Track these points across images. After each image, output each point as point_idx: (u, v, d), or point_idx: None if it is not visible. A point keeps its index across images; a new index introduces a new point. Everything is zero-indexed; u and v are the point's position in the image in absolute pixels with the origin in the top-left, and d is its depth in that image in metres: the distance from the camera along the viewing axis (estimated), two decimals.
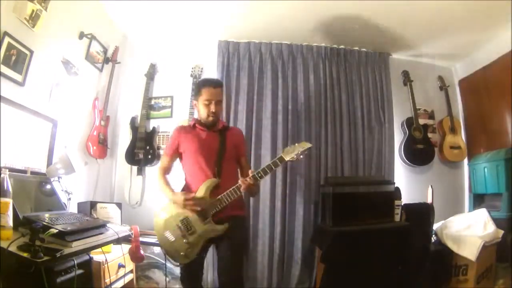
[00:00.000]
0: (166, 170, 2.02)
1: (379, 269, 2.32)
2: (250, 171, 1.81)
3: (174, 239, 1.82)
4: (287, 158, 1.79)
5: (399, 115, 3.34)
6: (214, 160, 1.89)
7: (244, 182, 1.75)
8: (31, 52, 2.07)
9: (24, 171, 1.96)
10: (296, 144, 1.84)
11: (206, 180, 1.84)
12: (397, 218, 2.58)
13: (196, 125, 1.99)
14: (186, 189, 1.94)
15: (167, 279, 2.47)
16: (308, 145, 1.83)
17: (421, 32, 3.02)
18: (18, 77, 2.00)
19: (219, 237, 1.83)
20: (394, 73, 3.42)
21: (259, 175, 1.77)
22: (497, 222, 2.54)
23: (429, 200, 2.70)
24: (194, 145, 1.93)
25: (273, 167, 1.80)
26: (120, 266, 2.21)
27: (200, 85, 1.97)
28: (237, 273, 1.80)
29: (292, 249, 2.93)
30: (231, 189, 1.79)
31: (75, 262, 1.62)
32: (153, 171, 3.16)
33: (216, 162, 1.88)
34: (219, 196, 1.80)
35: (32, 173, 2.00)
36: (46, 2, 2.12)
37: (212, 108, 1.89)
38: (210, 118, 1.92)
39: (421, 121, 3.32)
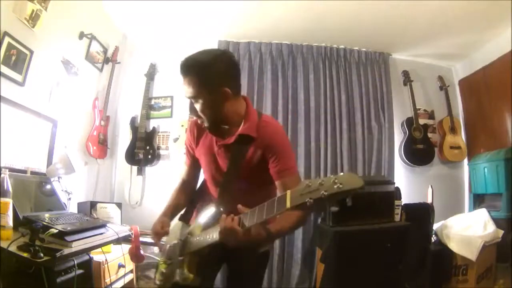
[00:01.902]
0: (186, 183, 1.43)
1: (379, 269, 2.32)
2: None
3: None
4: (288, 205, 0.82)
5: (399, 115, 3.34)
6: (222, 187, 1.25)
7: (226, 222, 0.96)
8: (31, 52, 2.07)
9: (24, 171, 1.96)
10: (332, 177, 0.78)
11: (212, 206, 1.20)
12: (397, 218, 2.58)
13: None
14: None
15: None
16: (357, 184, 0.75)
17: (421, 32, 3.02)
18: (18, 77, 2.00)
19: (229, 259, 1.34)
20: (394, 73, 3.42)
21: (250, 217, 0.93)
22: (497, 222, 2.54)
23: (429, 200, 2.70)
24: (203, 158, 1.33)
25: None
26: (120, 266, 2.21)
27: None
28: None
29: (292, 249, 2.93)
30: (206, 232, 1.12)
31: (75, 262, 1.62)
32: (153, 171, 3.17)
33: (225, 190, 1.23)
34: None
35: (32, 173, 2.00)
36: (46, 2, 2.12)
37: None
38: (205, 126, 1.24)
39: (421, 121, 3.31)
